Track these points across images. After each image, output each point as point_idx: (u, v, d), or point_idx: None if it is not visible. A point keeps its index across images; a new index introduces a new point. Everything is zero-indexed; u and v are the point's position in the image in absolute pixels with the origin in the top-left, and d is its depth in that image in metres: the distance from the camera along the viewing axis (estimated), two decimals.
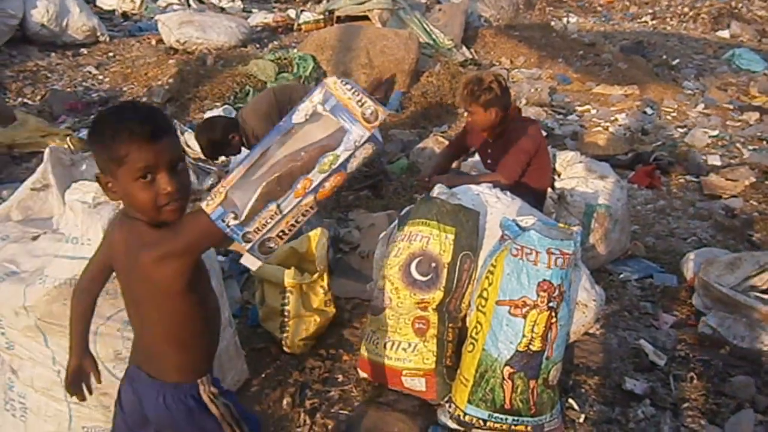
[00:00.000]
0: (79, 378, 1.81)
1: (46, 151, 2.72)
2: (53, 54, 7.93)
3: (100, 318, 2.31)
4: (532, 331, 2.40)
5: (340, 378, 3.03)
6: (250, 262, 1.39)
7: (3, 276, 2.32)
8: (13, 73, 7.19)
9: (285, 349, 3.16)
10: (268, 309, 3.26)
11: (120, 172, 1.44)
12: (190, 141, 5.67)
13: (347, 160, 1.30)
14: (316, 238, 3.35)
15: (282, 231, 1.36)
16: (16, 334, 2.33)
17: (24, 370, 2.39)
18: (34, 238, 2.47)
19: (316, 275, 3.22)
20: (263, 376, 3.02)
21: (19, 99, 6.74)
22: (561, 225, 2.59)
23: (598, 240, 3.84)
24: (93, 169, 2.77)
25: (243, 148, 4.38)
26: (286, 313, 3.16)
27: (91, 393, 1.84)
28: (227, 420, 1.67)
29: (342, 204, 4.93)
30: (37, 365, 2.36)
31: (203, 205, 1.34)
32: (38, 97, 6.81)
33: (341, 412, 2.80)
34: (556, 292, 2.37)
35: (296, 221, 1.35)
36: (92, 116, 6.51)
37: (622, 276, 3.98)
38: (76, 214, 2.24)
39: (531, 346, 2.41)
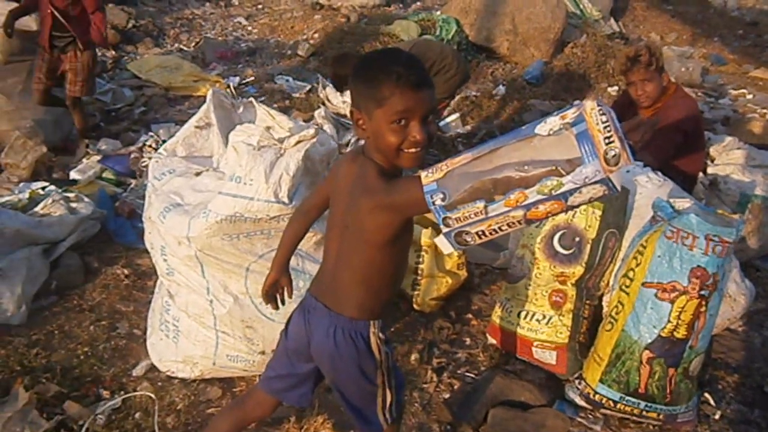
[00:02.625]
0: (275, 289, 1.97)
1: (209, 92, 2.87)
2: (207, 4, 8.32)
3: (253, 255, 2.45)
4: (679, 317, 2.31)
5: (468, 341, 3.05)
6: (443, 244, 1.38)
7: (169, 207, 2.49)
8: (171, 20, 7.60)
9: (415, 306, 3.22)
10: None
11: (377, 112, 1.50)
12: (330, 96, 5.80)
13: (571, 192, 1.23)
14: None
15: (482, 230, 1.33)
16: (177, 262, 2.51)
17: (180, 295, 2.58)
18: (197, 174, 2.63)
19: None
20: (392, 330, 3.09)
21: (176, 45, 7.13)
22: (720, 212, 2.46)
23: (750, 232, 3.61)
24: (249, 113, 2.92)
25: None
26: (419, 272, 3.21)
27: (284, 304, 1.99)
28: (384, 367, 1.73)
29: None
30: (192, 293, 2.53)
31: (423, 174, 1.36)
32: (193, 44, 7.17)
33: (467, 374, 2.83)
34: (710, 280, 2.26)
35: (499, 228, 1.32)
36: (240, 65, 6.81)
37: None
38: (240, 155, 2.36)
39: (675, 333, 2.32)
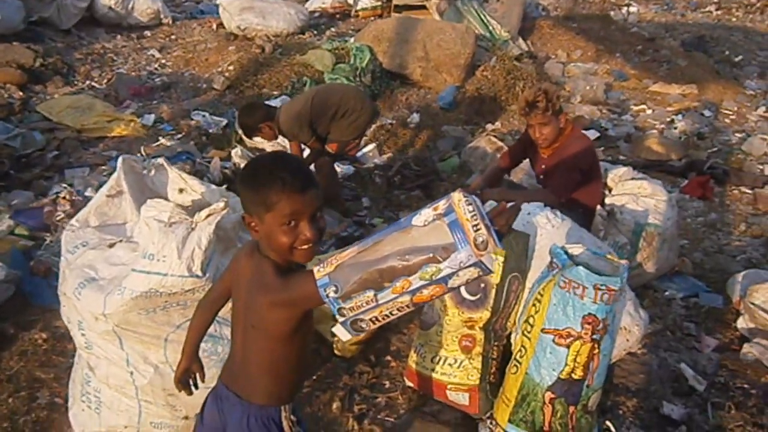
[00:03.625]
0: (187, 377, 2.04)
1: (119, 160, 2.89)
2: (119, 36, 8.19)
3: (170, 326, 2.50)
4: (575, 360, 2.50)
5: (387, 384, 3.18)
6: (341, 332, 1.49)
7: (84, 282, 2.52)
8: (81, 55, 7.47)
9: (336, 352, 3.32)
10: (320, 312, 3.40)
11: (267, 216, 1.60)
12: None
13: (449, 276, 1.35)
14: None
15: (375, 317, 1.44)
16: (95, 336, 2.53)
17: (100, 368, 2.60)
18: (111, 246, 2.66)
19: None
20: (314, 378, 3.18)
21: (87, 82, 7.01)
22: (608, 256, 2.67)
23: (645, 258, 3.89)
24: (161, 176, 2.96)
25: (279, 138, 4.74)
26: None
27: (197, 388, 2.06)
28: None
29: (393, 203, 5.06)
30: (112, 365, 2.56)
31: (315, 269, 1.46)
32: (105, 81, 7.06)
33: (387, 419, 2.95)
34: (600, 325, 2.46)
35: (390, 313, 1.43)
36: (155, 101, 6.76)
37: (667, 293, 4.03)
38: (152, 232, 2.41)
39: (573, 375, 2.51)
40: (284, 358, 1.73)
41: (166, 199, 2.75)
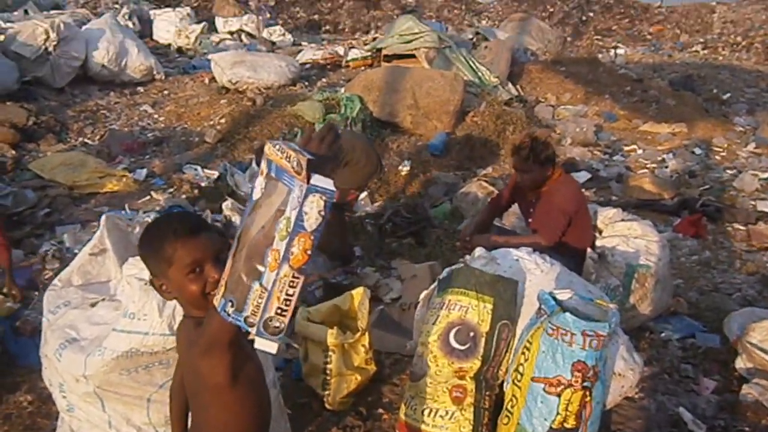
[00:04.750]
0: None
1: (103, 218, 2.89)
2: (112, 93, 8.28)
3: (153, 386, 2.45)
4: (566, 409, 2.45)
5: None
6: (265, 345, 1.35)
7: (65, 343, 2.48)
8: (74, 113, 7.54)
9: (326, 405, 3.26)
10: (311, 366, 3.37)
11: (171, 271, 1.59)
12: (238, 182, 5.88)
13: (299, 218, 1.27)
14: (359, 297, 3.45)
15: (279, 308, 1.33)
16: (76, 399, 2.49)
17: (83, 431, 2.54)
18: (93, 305, 2.64)
19: (358, 335, 3.32)
20: None
21: (80, 139, 7.06)
22: (598, 302, 2.64)
23: (638, 300, 3.85)
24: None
25: None
26: (328, 372, 3.26)
27: None
28: None
29: (385, 251, 5.04)
30: (94, 428, 2.51)
31: (213, 300, 1.41)
32: (97, 138, 7.12)
33: None
34: (591, 372, 2.42)
35: (288, 295, 1.32)
36: (147, 155, 6.80)
37: (663, 335, 3.98)
38: (132, 290, 2.39)
39: (565, 424, 2.46)
40: (233, 414, 1.63)
41: None
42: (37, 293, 4.20)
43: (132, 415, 2.47)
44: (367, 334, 3.37)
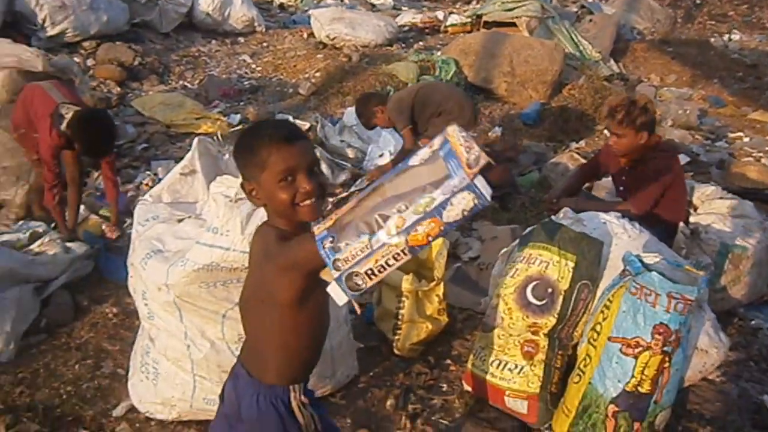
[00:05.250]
0: None
1: (195, 140, 2.97)
2: (214, 41, 8.50)
3: (229, 302, 2.52)
4: (642, 372, 2.35)
5: (445, 387, 3.10)
6: (337, 294, 1.37)
7: (151, 253, 2.58)
8: (177, 57, 7.78)
9: (395, 351, 3.27)
10: (383, 310, 3.38)
11: (263, 177, 1.58)
12: (328, 134, 5.92)
13: (442, 205, 1.25)
14: (438, 247, 3.42)
15: (370, 269, 1.32)
16: (157, 307, 2.59)
17: (160, 339, 2.65)
18: (180, 221, 2.73)
19: (433, 284, 3.30)
20: (371, 374, 3.14)
21: (180, 82, 7.29)
22: (687, 267, 2.52)
23: (730, 282, 3.65)
24: (225, 163, 3.01)
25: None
26: (400, 317, 3.26)
27: None
28: (308, 429, 1.76)
29: None
30: (171, 337, 2.61)
31: (315, 227, 1.40)
32: (197, 82, 7.33)
33: (441, 420, 2.87)
34: (673, 337, 2.31)
35: (386, 263, 1.31)
36: (242, 102, 6.95)
37: (753, 323, 3.76)
38: (218, 206, 2.45)
39: (639, 388, 2.37)
40: (294, 332, 1.66)
41: None
42: (129, 218, 4.39)
43: (207, 328, 2.55)
44: (442, 284, 3.34)
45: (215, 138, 5.41)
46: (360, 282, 1.34)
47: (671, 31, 12.06)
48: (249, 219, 2.40)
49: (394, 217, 1.28)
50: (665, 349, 2.32)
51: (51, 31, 6.96)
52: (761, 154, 7.11)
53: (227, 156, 2.98)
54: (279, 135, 1.57)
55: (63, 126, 3.73)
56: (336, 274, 1.33)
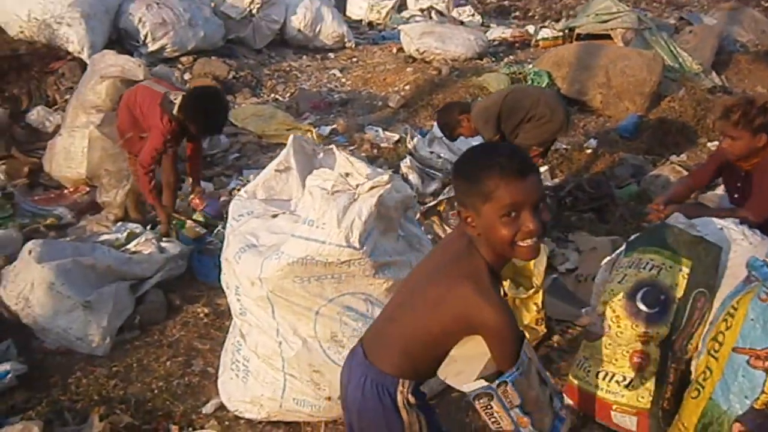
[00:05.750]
0: None
1: (290, 137, 2.95)
2: (305, 56, 8.63)
3: (322, 299, 2.45)
4: None
5: None
6: (469, 387, 1.54)
7: (245, 247, 2.55)
8: (269, 71, 7.93)
9: None
10: None
11: (485, 208, 1.48)
12: (418, 146, 5.84)
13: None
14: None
15: (493, 415, 1.57)
16: (249, 302, 2.54)
17: (251, 336, 2.60)
18: (274, 216, 2.69)
19: (531, 291, 3.14)
20: None
21: (272, 95, 7.40)
22: None
23: None
24: (329, 159, 2.96)
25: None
26: None
27: None
28: (412, 429, 1.67)
29: (563, 223, 4.77)
30: (262, 333, 2.55)
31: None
32: (288, 95, 7.43)
33: None
34: None
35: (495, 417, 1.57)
36: (332, 114, 6.98)
37: None
38: (314, 199, 2.39)
39: None
40: (425, 344, 1.60)
41: None
42: (222, 222, 4.43)
43: (299, 325, 2.49)
44: (540, 292, 3.18)
45: (310, 135, 5.42)
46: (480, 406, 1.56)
47: None
48: (345, 212, 2.33)
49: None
50: None
51: (152, 47, 7.22)
52: None
53: (321, 155, 2.93)
54: (511, 167, 1.45)
55: (174, 110, 3.76)
56: (488, 386, 1.51)
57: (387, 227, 2.54)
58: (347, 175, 2.74)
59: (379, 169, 2.91)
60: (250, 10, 8.32)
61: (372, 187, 2.38)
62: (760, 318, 2.14)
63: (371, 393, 1.64)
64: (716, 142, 6.41)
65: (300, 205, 2.66)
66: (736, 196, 3.49)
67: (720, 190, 4.56)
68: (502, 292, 1.63)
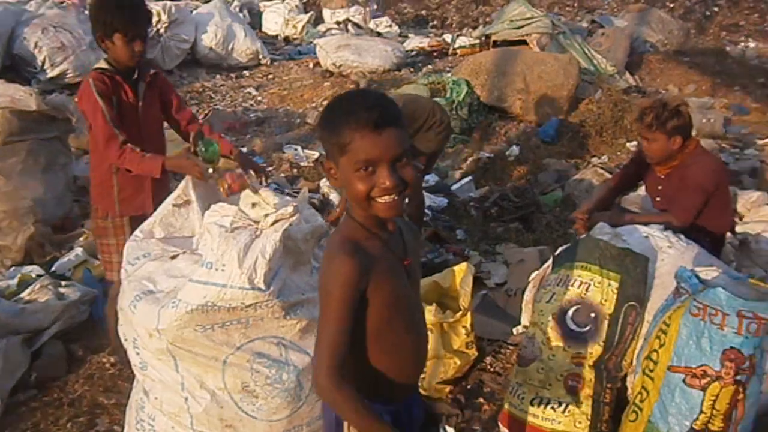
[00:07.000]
0: None
1: None
2: (218, 76, 8.36)
3: (230, 347, 2.22)
4: (713, 407, 2.01)
5: (479, 429, 2.77)
6: None
7: (141, 294, 2.29)
8: (181, 93, 7.58)
9: (421, 391, 2.93)
10: None
11: (342, 160, 1.40)
12: None
13: None
14: (462, 273, 3.12)
15: None
16: (149, 356, 2.29)
17: (154, 392, 2.34)
18: (173, 257, 2.43)
19: (459, 314, 2.99)
20: None
21: None
22: (753, 281, 2.19)
23: None
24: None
25: None
26: None
27: None
28: None
29: (490, 236, 4.67)
30: (166, 389, 2.30)
31: None
32: (201, 116, 7.13)
33: None
34: (746, 363, 1.98)
35: None
36: (248, 135, 6.73)
37: None
38: (212, 238, 2.16)
39: (710, 425, 2.03)
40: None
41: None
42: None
43: (206, 377, 2.24)
44: (469, 314, 3.03)
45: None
46: None
47: (684, 42, 11.78)
48: (247, 251, 2.11)
49: None
50: (738, 378, 1.99)
51: (51, 73, 6.81)
52: None
53: None
54: (366, 118, 1.36)
55: (99, 64, 2.83)
56: None
57: (298, 261, 2.33)
58: (254, 205, 2.53)
59: (287, 198, 2.71)
60: (158, 30, 7.98)
61: (276, 221, 2.17)
62: (693, 334, 2.04)
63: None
64: (635, 142, 6.49)
65: (202, 243, 2.42)
66: (658, 199, 3.45)
67: (642, 191, 4.55)
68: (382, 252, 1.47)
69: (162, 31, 8.02)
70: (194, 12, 8.74)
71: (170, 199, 2.60)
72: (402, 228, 1.57)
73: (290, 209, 2.19)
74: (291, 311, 2.24)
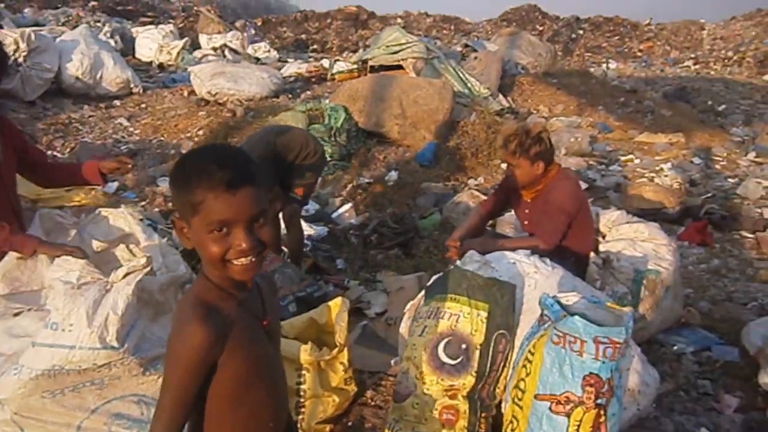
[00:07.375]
0: None
1: (36, 215, 2.52)
2: (86, 106, 7.96)
3: (83, 411, 2.08)
4: (578, 431, 2.06)
5: None
6: None
7: None
8: (45, 126, 7.20)
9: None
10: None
11: (195, 221, 1.30)
12: None
13: None
14: (337, 308, 3.06)
15: None
16: None
17: None
18: (16, 314, 2.25)
19: (335, 351, 2.93)
20: None
21: (49, 152, 6.69)
22: (609, 304, 2.27)
23: (648, 309, 3.47)
24: (101, 227, 2.57)
25: None
26: (302, 393, 2.86)
27: None
28: None
29: (370, 263, 4.66)
30: None
31: None
32: (68, 150, 6.77)
33: None
34: (605, 387, 2.04)
35: None
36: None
37: (676, 348, 3.60)
38: (58, 296, 2.01)
39: None
40: None
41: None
42: None
43: None
44: (346, 350, 2.97)
45: (67, 208, 4.87)
46: None
47: (553, 64, 12.43)
48: (97, 307, 1.97)
49: None
50: (599, 401, 2.05)
51: None
52: (653, 174, 7.24)
53: (73, 233, 2.53)
54: (220, 177, 1.26)
55: None
56: None
57: (157, 312, 2.21)
58: (126, 241, 2.39)
59: (155, 234, 2.58)
60: (16, 59, 7.50)
61: (126, 274, 2.05)
62: (555, 361, 2.09)
63: None
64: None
65: (50, 298, 2.25)
66: (526, 222, 3.56)
67: None
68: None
69: (21, 59, 7.56)
70: (58, 39, 8.30)
71: (14, 252, 2.40)
72: (260, 284, 1.49)
73: (143, 261, 2.07)
74: (151, 366, 2.12)
